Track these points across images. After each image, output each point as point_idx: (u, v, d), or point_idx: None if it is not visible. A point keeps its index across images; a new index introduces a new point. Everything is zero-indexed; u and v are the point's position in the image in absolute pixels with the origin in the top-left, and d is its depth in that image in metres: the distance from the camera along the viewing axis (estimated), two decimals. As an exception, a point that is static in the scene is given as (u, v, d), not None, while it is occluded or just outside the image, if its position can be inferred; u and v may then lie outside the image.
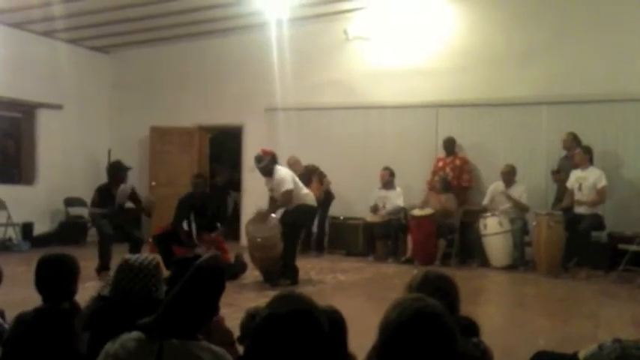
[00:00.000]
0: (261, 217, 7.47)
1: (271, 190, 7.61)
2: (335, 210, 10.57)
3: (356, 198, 10.42)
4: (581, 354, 2.30)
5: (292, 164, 9.91)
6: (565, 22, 9.40)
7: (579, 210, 8.41)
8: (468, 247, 9.40)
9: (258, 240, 7.33)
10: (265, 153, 7.47)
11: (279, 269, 7.28)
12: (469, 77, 9.80)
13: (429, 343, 1.69)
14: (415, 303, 1.79)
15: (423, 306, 1.77)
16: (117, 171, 8.18)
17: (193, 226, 7.93)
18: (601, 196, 8.35)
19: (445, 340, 1.71)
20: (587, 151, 8.51)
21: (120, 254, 2.70)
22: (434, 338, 1.70)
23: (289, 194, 7.32)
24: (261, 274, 7.55)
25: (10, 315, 3.13)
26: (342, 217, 10.47)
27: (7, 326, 3.05)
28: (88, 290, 2.97)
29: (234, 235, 10.89)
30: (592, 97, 9.01)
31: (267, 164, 7.35)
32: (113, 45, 12.04)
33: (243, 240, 10.64)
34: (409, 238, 9.45)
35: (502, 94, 9.58)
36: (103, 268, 7.43)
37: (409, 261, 9.30)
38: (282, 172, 7.50)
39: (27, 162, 11.15)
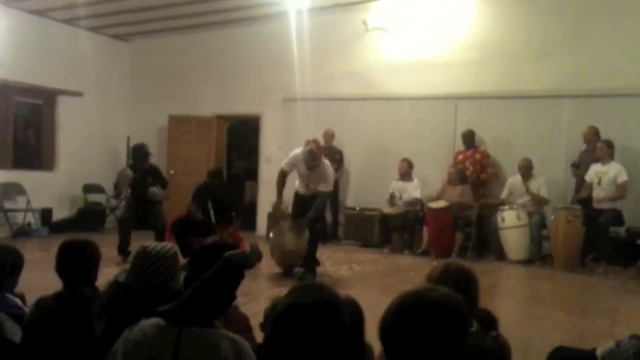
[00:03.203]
0: (287, 222, 7.50)
1: (305, 176, 7.31)
2: (351, 201, 10.57)
3: (372, 189, 10.39)
4: (599, 351, 2.28)
5: (328, 137, 10.20)
6: (585, 15, 9.25)
7: (598, 205, 8.34)
8: (484, 240, 9.36)
9: (287, 250, 7.36)
10: (318, 148, 7.19)
11: (302, 263, 7.30)
12: (488, 70, 9.71)
13: (436, 330, 1.62)
14: (428, 292, 1.74)
15: (436, 296, 1.69)
16: (135, 156, 8.58)
17: (212, 214, 7.97)
18: (621, 190, 8.27)
19: (454, 329, 1.64)
20: (610, 146, 8.42)
21: (145, 241, 2.71)
22: (440, 326, 1.61)
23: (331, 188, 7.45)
24: (279, 268, 7.55)
25: (30, 299, 3.16)
26: (357, 208, 10.46)
27: (27, 310, 3.08)
28: (105, 276, 2.99)
29: (251, 226, 10.93)
30: (613, 91, 8.88)
31: (321, 161, 7.13)
32: (133, 33, 12.08)
33: (260, 230, 10.74)
34: (425, 230, 9.42)
35: (522, 86, 9.48)
36: (120, 249, 7.81)
37: (425, 253, 9.28)
38: (328, 165, 7.32)
39: (47, 148, 11.24)
